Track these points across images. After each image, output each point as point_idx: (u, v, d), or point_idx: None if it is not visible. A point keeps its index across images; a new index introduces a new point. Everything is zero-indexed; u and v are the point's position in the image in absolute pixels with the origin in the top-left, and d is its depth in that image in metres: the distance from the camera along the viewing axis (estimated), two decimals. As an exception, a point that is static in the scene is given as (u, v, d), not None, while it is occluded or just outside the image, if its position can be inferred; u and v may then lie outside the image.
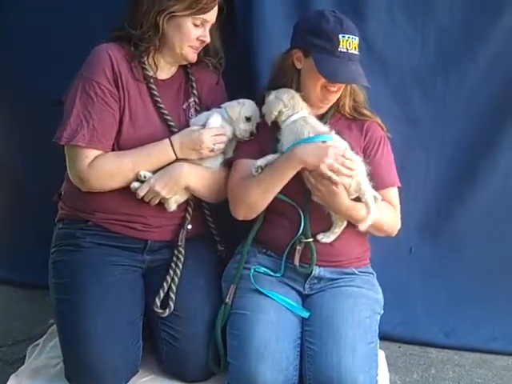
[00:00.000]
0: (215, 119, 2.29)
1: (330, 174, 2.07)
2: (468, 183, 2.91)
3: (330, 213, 2.20)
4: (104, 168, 2.19)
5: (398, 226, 2.31)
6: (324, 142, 2.13)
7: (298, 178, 2.16)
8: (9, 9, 2.98)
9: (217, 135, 2.26)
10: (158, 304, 2.21)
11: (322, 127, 2.20)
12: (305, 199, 2.20)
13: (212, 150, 2.26)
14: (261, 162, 2.20)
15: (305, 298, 2.25)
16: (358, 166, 2.14)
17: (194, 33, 2.25)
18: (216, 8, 2.27)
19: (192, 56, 2.31)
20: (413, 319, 2.97)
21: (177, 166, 2.25)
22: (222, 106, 2.34)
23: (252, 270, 2.23)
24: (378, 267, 2.43)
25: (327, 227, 2.22)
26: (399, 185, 2.33)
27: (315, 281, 2.26)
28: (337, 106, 2.32)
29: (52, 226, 2.43)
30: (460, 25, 2.71)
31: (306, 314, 2.16)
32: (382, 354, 2.37)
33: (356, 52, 2.18)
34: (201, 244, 2.40)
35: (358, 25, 2.65)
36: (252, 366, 1.99)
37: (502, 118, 2.82)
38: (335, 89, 2.22)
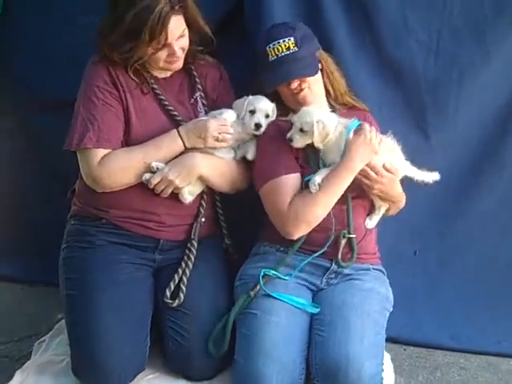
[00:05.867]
0: (230, 114, 2.31)
1: (382, 148, 2.18)
2: (473, 187, 2.91)
3: (372, 200, 2.30)
4: (114, 163, 2.21)
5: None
6: (358, 127, 2.20)
7: None
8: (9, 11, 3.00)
9: (223, 125, 2.27)
10: (168, 295, 2.21)
11: (349, 120, 2.26)
12: (348, 199, 2.24)
13: (217, 139, 2.26)
14: (318, 178, 2.19)
15: (317, 292, 2.27)
16: (398, 149, 2.25)
17: (161, 56, 2.25)
18: (174, 23, 2.18)
19: (174, 66, 2.33)
20: (418, 322, 2.96)
21: (190, 156, 2.27)
22: None
23: (262, 273, 2.22)
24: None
25: (361, 225, 2.31)
26: None
27: (333, 275, 2.28)
28: (336, 97, 2.38)
29: (56, 225, 2.44)
30: (475, 30, 2.69)
31: (316, 310, 2.17)
32: (387, 356, 2.37)
33: (286, 52, 2.24)
34: (211, 245, 2.41)
35: (369, 29, 2.69)
36: (259, 366, 2.00)
37: (509, 124, 2.82)
38: (295, 89, 2.28)
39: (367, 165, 2.17)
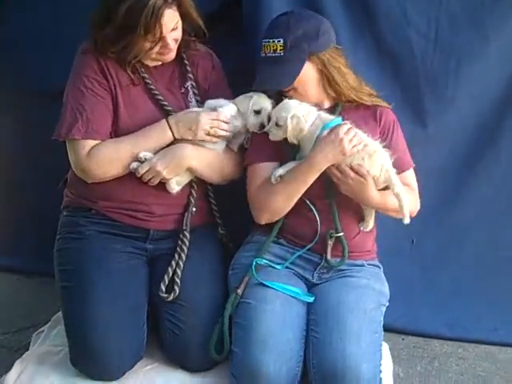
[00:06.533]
0: (230, 108, 2.28)
1: (355, 151, 2.09)
2: (470, 174, 2.90)
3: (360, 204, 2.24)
4: (103, 154, 2.20)
5: (418, 207, 2.35)
6: (335, 126, 2.14)
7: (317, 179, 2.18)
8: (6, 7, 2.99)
9: (215, 120, 2.25)
10: (163, 289, 2.20)
11: (330, 116, 2.21)
12: (330, 195, 2.21)
13: (208, 134, 2.25)
14: (281, 171, 2.19)
15: (312, 287, 2.26)
16: (383, 155, 2.16)
17: (156, 49, 2.22)
18: (168, 16, 2.16)
19: (166, 57, 2.30)
20: (415, 311, 2.97)
21: (180, 147, 2.25)
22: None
23: (254, 262, 2.21)
24: (380, 259, 2.43)
25: (354, 221, 2.28)
26: (414, 165, 2.36)
27: (324, 270, 2.27)
28: (339, 97, 2.32)
29: (53, 215, 2.44)
30: (473, 17, 2.66)
31: (310, 299, 2.16)
32: (385, 346, 2.37)
33: (272, 54, 2.21)
34: (205, 234, 2.40)
35: (367, 21, 2.67)
36: (256, 356, 1.99)
37: (506, 111, 2.80)
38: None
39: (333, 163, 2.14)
